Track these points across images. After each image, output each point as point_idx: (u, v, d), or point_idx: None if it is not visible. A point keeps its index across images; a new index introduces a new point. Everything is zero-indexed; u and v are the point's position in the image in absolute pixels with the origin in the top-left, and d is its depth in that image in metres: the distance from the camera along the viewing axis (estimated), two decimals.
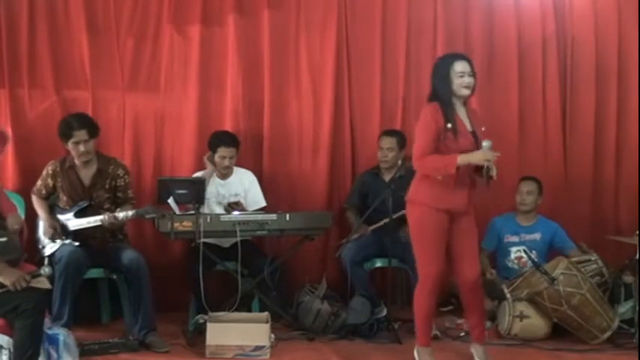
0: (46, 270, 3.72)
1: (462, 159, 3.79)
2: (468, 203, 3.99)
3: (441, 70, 3.95)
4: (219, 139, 5.09)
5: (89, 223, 4.52)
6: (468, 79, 3.92)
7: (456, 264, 4.02)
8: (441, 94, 3.92)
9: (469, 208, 4.01)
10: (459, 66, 3.93)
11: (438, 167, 3.84)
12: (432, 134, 3.85)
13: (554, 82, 5.73)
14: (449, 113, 3.89)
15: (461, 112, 3.95)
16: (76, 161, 4.66)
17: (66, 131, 4.57)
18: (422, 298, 4.00)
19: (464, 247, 4.01)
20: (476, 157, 3.82)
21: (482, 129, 4.01)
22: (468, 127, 3.95)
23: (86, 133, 4.56)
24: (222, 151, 5.05)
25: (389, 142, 5.17)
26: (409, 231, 4.04)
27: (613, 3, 5.72)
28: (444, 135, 3.85)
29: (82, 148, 4.56)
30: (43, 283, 3.68)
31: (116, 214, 4.48)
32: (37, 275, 3.68)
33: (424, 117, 3.92)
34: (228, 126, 5.38)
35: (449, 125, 3.85)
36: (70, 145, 4.58)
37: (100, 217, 4.50)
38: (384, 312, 4.76)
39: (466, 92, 3.93)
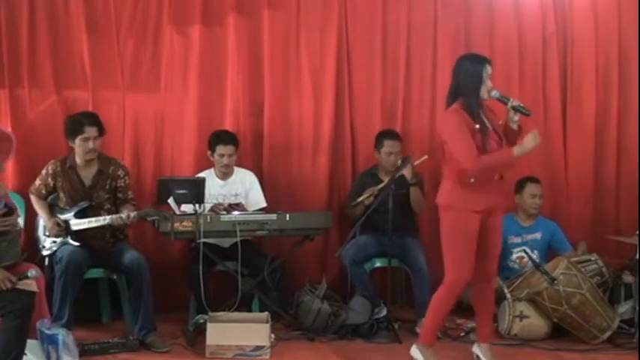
0: (33, 273, 3.73)
1: (519, 151, 3.79)
2: (501, 198, 3.99)
3: (473, 69, 3.90)
4: (217, 138, 5.09)
5: (90, 223, 4.52)
6: (491, 84, 3.93)
7: (478, 258, 3.96)
8: (470, 92, 3.87)
9: (502, 203, 4.00)
10: (490, 69, 3.93)
11: (496, 167, 3.83)
12: (469, 136, 3.80)
13: (554, 82, 5.72)
14: (476, 113, 3.86)
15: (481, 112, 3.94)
16: (78, 160, 4.67)
17: (76, 127, 4.61)
18: (446, 301, 3.96)
19: (489, 245, 3.98)
20: (529, 145, 3.81)
21: (500, 122, 3.99)
22: (489, 126, 3.93)
23: (96, 131, 4.63)
24: (221, 149, 5.05)
25: (395, 145, 5.16)
26: (442, 235, 3.97)
27: (613, 3, 5.72)
28: (475, 135, 3.82)
29: (90, 144, 4.60)
30: (30, 286, 3.67)
31: (121, 215, 4.49)
32: (25, 278, 3.68)
33: (454, 121, 3.84)
34: (228, 126, 5.38)
35: (477, 126, 3.83)
36: (77, 142, 4.60)
37: (102, 217, 4.51)
38: (384, 312, 4.76)
39: (487, 97, 3.91)
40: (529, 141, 3.83)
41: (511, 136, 3.98)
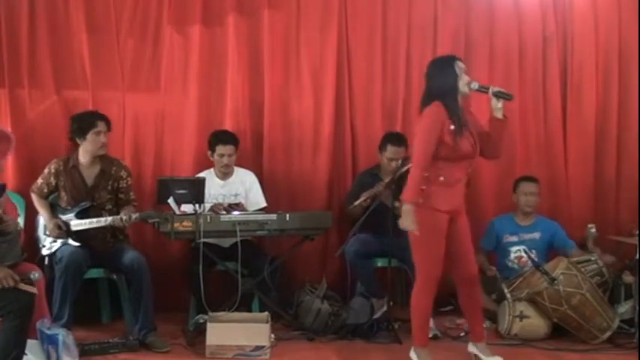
0: (36, 275, 3.73)
1: (404, 208, 3.79)
2: (463, 201, 4.01)
3: (445, 67, 3.92)
4: (217, 138, 5.09)
5: (91, 223, 4.52)
6: (468, 77, 3.93)
7: (456, 263, 4.01)
8: (446, 91, 3.87)
9: (464, 205, 4.03)
10: (461, 64, 3.93)
11: (407, 187, 3.83)
12: (434, 138, 3.81)
13: (554, 81, 5.72)
14: (455, 111, 3.86)
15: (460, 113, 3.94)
16: (84, 159, 4.67)
17: (88, 122, 4.65)
18: (423, 299, 3.98)
19: (464, 245, 4.01)
20: (404, 221, 3.80)
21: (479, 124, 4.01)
22: (466, 128, 3.93)
23: (106, 125, 4.68)
24: (221, 149, 5.05)
25: (399, 152, 5.11)
26: (410, 234, 3.98)
27: (613, 3, 5.71)
28: (448, 136, 3.83)
29: (102, 138, 4.64)
30: (30, 288, 3.68)
31: (122, 216, 4.49)
32: (27, 279, 3.69)
33: (429, 118, 3.86)
34: (228, 126, 5.38)
35: (452, 127, 3.84)
36: (90, 137, 4.62)
37: (104, 218, 4.51)
38: (385, 307, 4.75)
39: (468, 90, 3.92)
40: (407, 221, 3.79)
41: (499, 126, 3.97)
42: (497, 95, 3.91)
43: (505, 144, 4.12)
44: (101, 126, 4.65)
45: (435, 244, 3.90)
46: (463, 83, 3.89)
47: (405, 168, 4.77)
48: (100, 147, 4.66)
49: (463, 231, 4.02)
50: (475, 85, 3.92)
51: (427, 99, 3.94)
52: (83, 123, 4.65)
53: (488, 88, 3.93)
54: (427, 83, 4.00)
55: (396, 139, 5.19)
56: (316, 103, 5.54)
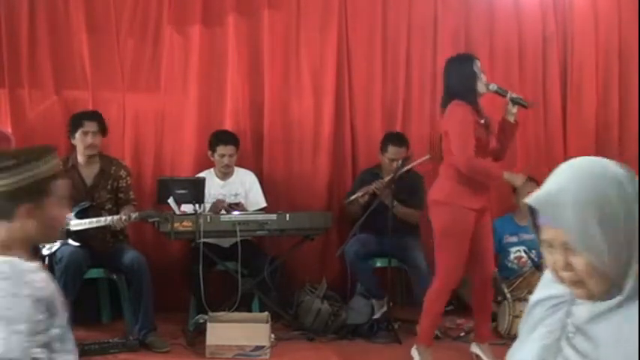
0: None
1: (508, 176, 3.85)
2: (489, 199, 4.04)
3: (464, 67, 3.90)
4: (218, 138, 5.09)
5: (91, 223, 4.51)
6: (485, 78, 3.93)
7: (476, 262, 3.98)
8: (465, 92, 3.86)
9: (490, 204, 4.05)
10: (479, 64, 3.93)
11: (482, 175, 3.82)
12: (472, 131, 3.79)
13: (554, 81, 5.73)
14: (478, 109, 3.87)
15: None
16: (80, 159, 4.68)
17: (77, 122, 4.66)
18: (440, 300, 3.96)
19: (485, 245, 4.00)
20: (518, 181, 3.95)
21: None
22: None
23: (96, 126, 4.67)
24: (221, 149, 5.05)
25: (400, 152, 5.08)
26: (435, 233, 3.97)
27: (613, 3, 5.72)
28: (480, 130, 3.83)
29: (89, 139, 4.63)
30: None
31: (122, 215, 4.49)
32: None
33: (460, 114, 3.82)
34: (228, 126, 5.38)
35: (482, 121, 3.84)
36: (77, 137, 4.63)
37: (103, 218, 4.51)
38: (385, 307, 4.75)
39: (486, 90, 3.91)
40: (521, 178, 3.93)
41: (509, 130, 3.99)
42: (514, 101, 3.92)
43: (510, 148, 4.13)
44: (89, 126, 4.64)
45: (461, 243, 3.87)
46: (481, 83, 3.89)
47: (406, 168, 4.80)
48: (87, 147, 4.64)
49: (487, 229, 4.01)
50: (494, 87, 3.92)
51: (447, 97, 3.93)
52: (74, 122, 4.69)
53: (506, 92, 3.93)
54: (445, 81, 3.99)
55: (396, 139, 5.18)
56: (316, 103, 5.54)
